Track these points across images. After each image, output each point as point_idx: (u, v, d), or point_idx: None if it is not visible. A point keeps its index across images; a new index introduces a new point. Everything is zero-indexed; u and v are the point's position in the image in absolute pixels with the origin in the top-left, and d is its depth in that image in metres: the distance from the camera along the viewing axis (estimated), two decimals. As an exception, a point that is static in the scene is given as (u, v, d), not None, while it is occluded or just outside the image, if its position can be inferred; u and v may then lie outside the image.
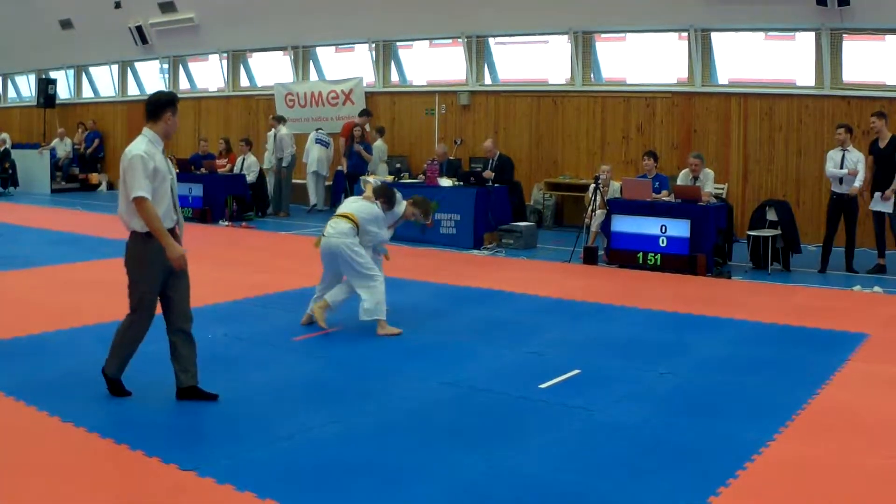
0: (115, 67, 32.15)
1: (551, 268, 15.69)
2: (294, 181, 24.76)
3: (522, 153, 22.32)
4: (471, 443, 6.93)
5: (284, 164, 23.67)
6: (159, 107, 7.67)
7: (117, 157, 25.57)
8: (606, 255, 16.00)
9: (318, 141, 24.40)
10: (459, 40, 23.73)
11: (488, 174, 18.89)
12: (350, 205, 11.06)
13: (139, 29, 29.54)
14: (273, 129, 23.99)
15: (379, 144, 23.75)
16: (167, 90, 7.70)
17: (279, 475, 6.22)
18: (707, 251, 15.09)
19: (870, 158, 15.40)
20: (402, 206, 11.10)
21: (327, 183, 25.17)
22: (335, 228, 10.68)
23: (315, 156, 24.36)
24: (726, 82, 20.70)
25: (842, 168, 15.22)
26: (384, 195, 11.00)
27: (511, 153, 20.71)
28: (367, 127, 23.49)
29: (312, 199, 24.56)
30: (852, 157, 15.23)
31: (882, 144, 15.28)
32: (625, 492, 6.10)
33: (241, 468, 6.32)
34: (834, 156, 15.40)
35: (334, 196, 24.45)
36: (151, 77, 32.10)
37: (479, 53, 23.77)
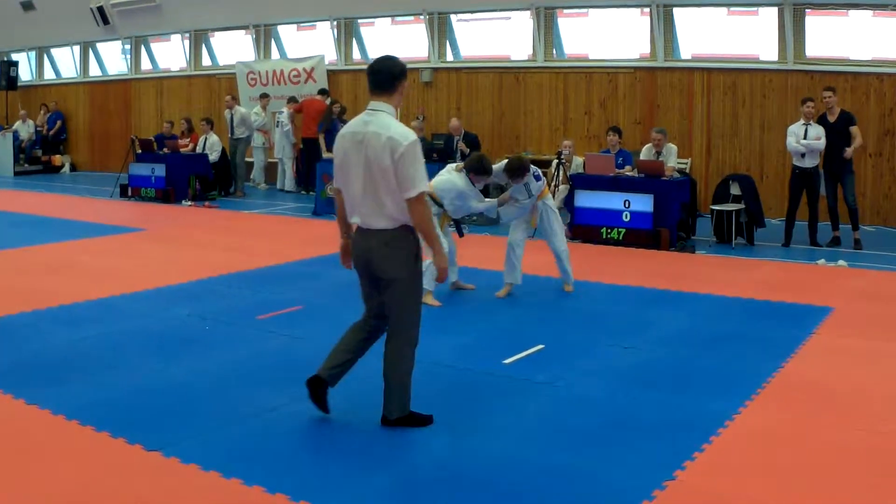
0: (76, 48, 31.92)
1: (516, 244, 15.70)
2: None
3: (485, 129, 22.24)
4: (436, 419, 6.93)
5: (237, 140, 23.78)
6: (395, 77, 6.66)
7: (80, 139, 25.64)
8: (570, 230, 16.00)
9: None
10: (421, 17, 23.67)
11: (462, 146, 18.92)
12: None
13: (101, 9, 29.32)
14: (229, 109, 23.87)
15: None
16: (391, 55, 6.48)
17: (244, 454, 6.21)
18: (671, 226, 15.14)
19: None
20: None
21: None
22: None
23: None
24: (689, 57, 20.72)
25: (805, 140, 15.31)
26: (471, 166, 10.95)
27: (473, 130, 20.73)
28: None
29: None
30: (813, 132, 15.30)
31: (832, 119, 15.41)
32: (591, 466, 6.11)
33: (206, 448, 6.31)
34: (797, 130, 15.45)
35: (300, 177, 24.41)
36: (113, 58, 31.89)
37: (440, 30, 23.72)
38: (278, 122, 24.05)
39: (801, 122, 15.45)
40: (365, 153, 6.48)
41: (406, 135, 6.50)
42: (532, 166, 11.31)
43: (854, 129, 15.25)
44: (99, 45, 31.78)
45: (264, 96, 24.93)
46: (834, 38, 19.13)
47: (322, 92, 24.16)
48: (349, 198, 6.67)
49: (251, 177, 25.35)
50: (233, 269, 12.97)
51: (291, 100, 24.31)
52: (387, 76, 6.63)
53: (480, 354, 8.79)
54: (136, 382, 7.76)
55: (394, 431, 6.71)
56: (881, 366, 8.64)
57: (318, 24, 26.53)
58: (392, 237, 6.59)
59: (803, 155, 15.35)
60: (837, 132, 15.31)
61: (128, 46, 30.68)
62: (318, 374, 6.89)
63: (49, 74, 33.78)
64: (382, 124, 6.51)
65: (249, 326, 9.81)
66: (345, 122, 22.33)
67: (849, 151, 15.16)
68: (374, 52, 25.40)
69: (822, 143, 15.28)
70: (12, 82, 31.96)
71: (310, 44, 26.72)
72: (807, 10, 18.83)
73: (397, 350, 6.79)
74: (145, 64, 30.79)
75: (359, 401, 7.42)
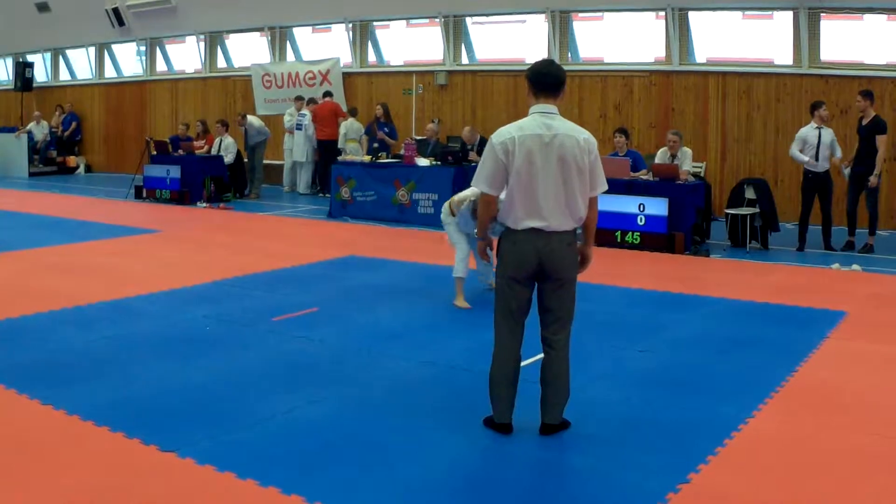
0: (92, 50, 32.01)
1: (530, 247, 15.66)
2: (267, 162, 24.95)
3: (500, 133, 22.21)
4: (452, 422, 6.95)
5: (255, 145, 23.78)
6: (563, 82, 6.73)
7: (95, 140, 25.70)
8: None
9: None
10: (437, 20, 23.71)
11: (474, 157, 18.91)
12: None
13: (116, 11, 29.40)
14: (243, 126, 23.87)
15: (351, 123, 23.61)
16: (552, 59, 6.69)
17: (259, 456, 6.22)
18: (685, 230, 15.12)
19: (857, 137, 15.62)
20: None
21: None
22: None
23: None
24: (704, 61, 20.72)
25: (818, 146, 15.30)
26: None
27: (488, 134, 20.70)
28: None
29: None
30: (827, 136, 15.33)
31: (865, 122, 15.38)
32: (605, 468, 6.13)
33: (222, 449, 6.33)
34: (808, 135, 15.44)
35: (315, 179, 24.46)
36: (128, 59, 32.00)
37: (456, 33, 23.74)
38: (300, 124, 23.97)
39: (814, 125, 15.45)
40: (559, 154, 6.50)
41: (591, 136, 6.69)
42: None
43: (880, 139, 15.18)
44: (114, 47, 31.92)
45: (299, 98, 24.83)
46: (849, 43, 19.12)
47: (327, 94, 24.14)
48: (526, 202, 6.58)
49: (284, 181, 25.38)
50: (248, 270, 12.99)
51: (311, 101, 24.25)
52: (558, 80, 6.69)
53: (495, 357, 8.80)
54: (152, 383, 7.78)
55: (410, 433, 6.72)
56: (895, 370, 8.63)
57: (333, 26, 26.62)
58: (572, 238, 6.81)
59: (817, 159, 15.35)
60: (867, 137, 15.32)
61: (143, 48, 30.82)
62: (510, 423, 6.88)
63: (64, 76, 33.89)
64: (570, 127, 6.63)
65: (265, 328, 9.83)
66: (389, 124, 22.39)
67: (873, 180, 15.15)
68: (390, 55, 25.57)
69: (836, 148, 15.39)
70: (27, 83, 32.07)
71: (325, 46, 26.82)
72: (822, 14, 18.82)
73: (565, 350, 6.95)
74: (160, 65, 30.89)
75: (372, 401, 7.44)
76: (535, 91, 6.66)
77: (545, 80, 6.65)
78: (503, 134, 6.60)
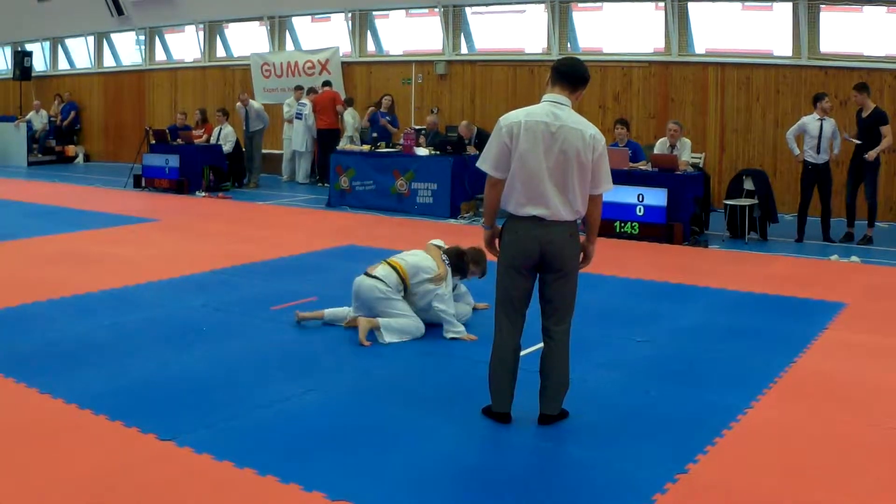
0: (90, 39, 31.94)
1: (529, 237, 15.63)
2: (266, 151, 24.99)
3: (499, 123, 22.19)
4: (448, 410, 6.95)
5: (253, 133, 23.73)
6: (586, 80, 6.76)
7: (94, 129, 25.61)
8: (582, 223, 15.96)
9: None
10: (436, 10, 23.65)
11: (472, 150, 18.88)
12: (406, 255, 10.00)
13: (115, 0, 29.36)
14: (243, 105, 23.76)
15: (352, 113, 23.63)
16: (577, 59, 6.56)
17: (257, 444, 6.23)
18: (684, 220, 15.11)
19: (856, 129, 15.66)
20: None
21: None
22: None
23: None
24: (703, 52, 20.69)
25: (820, 137, 15.28)
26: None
27: (488, 123, 20.69)
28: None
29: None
30: (829, 127, 15.30)
31: (865, 115, 15.37)
32: (604, 459, 6.13)
33: (219, 437, 6.33)
34: (810, 126, 15.41)
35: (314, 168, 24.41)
36: (127, 49, 31.94)
37: (455, 23, 23.72)
38: (299, 113, 23.90)
39: (816, 116, 15.42)
40: (560, 147, 6.51)
41: (600, 133, 6.71)
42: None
43: (884, 129, 15.16)
44: (113, 36, 31.83)
45: (298, 88, 24.76)
46: (848, 34, 19.10)
47: (326, 84, 24.13)
48: (528, 188, 6.57)
49: (283, 171, 25.34)
50: (246, 259, 12.98)
51: (310, 91, 24.20)
52: (577, 74, 6.69)
53: (493, 346, 8.79)
54: (150, 372, 7.78)
55: (406, 421, 6.74)
56: (893, 361, 8.63)
57: (332, 15, 26.56)
58: (575, 229, 6.82)
59: (818, 151, 15.34)
60: (868, 130, 15.29)
61: (142, 37, 30.75)
62: (509, 413, 6.84)
63: (63, 65, 33.81)
64: (577, 120, 6.62)
65: (263, 317, 9.83)
66: (392, 113, 22.40)
67: (871, 154, 15.08)
68: (389, 45, 25.52)
69: (836, 142, 15.39)
70: (26, 72, 32.01)
71: (324, 35, 26.76)
72: (821, 6, 18.80)
73: (565, 342, 6.93)
74: (159, 55, 30.84)
75: (370, 389, 7.44)
76: (554, 80, 6.68)
77: (564, 70, 6.67)
78: (510, 117, 6.63)
